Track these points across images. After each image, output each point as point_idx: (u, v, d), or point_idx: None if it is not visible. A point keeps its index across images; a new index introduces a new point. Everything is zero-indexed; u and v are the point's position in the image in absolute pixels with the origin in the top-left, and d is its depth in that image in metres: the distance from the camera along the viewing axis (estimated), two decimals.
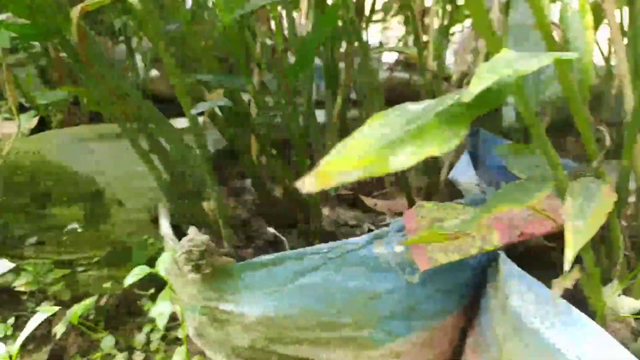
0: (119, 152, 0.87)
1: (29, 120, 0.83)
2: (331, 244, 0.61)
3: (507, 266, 0.57)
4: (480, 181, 0.88)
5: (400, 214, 0.81)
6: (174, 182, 0.61)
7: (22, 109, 1.00)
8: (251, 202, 0.79)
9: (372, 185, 0.89)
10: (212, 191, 0.57)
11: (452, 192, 0.86)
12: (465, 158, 0.87)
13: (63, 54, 0.83)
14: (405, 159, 0.22)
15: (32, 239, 0.85)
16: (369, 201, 0.82)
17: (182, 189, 0.62)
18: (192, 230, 0.56)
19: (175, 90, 0.49)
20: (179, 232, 0.70)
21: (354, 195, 0.83)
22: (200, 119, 1.05)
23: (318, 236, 0.67)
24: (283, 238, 0.68)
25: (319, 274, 0.61)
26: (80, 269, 0.88)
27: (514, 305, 0.54)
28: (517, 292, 0.55)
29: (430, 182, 0.86)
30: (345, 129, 0.88)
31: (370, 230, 0.75)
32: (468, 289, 0.73)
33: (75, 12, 0.48)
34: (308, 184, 0.20)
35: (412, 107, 0.26)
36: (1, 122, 0.87)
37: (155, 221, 0.94)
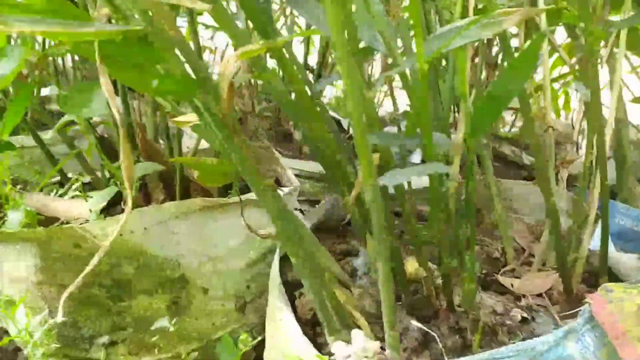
0: (200, 232, 0.76)
1: (107, 198, 0.72)
2: (517, 346, 0.48)
3: None
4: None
5: (546, 296, 0.69)
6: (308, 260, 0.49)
7: (84, 186, 0.89)
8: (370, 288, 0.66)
9: (496, 262, 0.77)
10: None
11: None
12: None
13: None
14: None
15: (104, 339, 0.72)
16: (505, 281, 0.70)
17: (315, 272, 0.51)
18: (358, 336, 0.44)
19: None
20: None
21: (486, 275, 0.71)
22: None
23: (477, 331, 0.55)
24: (434, 334, 0.55)
25: None
26: None
27: None
28: None
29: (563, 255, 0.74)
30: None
31: (523, 319, 0.63)
32: None
33: (228, 62, 0.39)
34: None
35: None
36: (69, 202, 0.76)
37: (241, 310, 0.81)
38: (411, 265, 0.67)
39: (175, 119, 0.53)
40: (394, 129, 1.29)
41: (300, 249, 0.49)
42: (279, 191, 0.90)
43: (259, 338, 0.74)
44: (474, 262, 0.52)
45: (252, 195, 0.83)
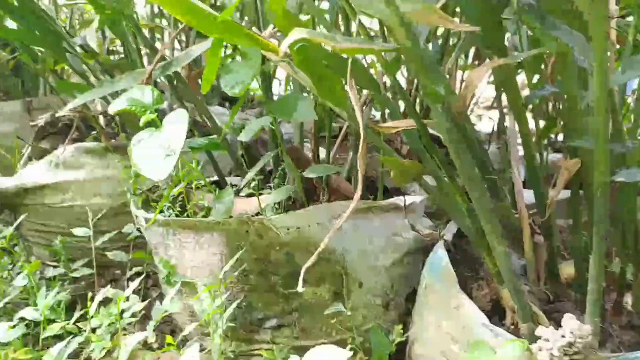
0: (358, 230, 0.83)
1: (284, 196, 0.81)
2: None
3: None
4: None
5: None
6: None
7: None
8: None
9: None
10: None
11: None
12: None
13: None
14: None
15: (273, 322, 0.80)
16: None
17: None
18: (570, 319, 0.49)
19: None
20: None
21: None
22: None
23: None
24: (610, 330, 0.60)
25: None
26: None
27: None
28: None
29: None
30: None
31: None
32: None
33: (478, 74, 0.46)
34: None
35: None
36: (241, 199, 0.86)
37: (386, 306, 0.88)
38: (568, 268, 0.72)
39: (382, 124, 0.61)
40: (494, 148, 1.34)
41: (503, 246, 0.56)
42: (414, 198, 0.96)
43: (409, 333, 0.80)
44: None
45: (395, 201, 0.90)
